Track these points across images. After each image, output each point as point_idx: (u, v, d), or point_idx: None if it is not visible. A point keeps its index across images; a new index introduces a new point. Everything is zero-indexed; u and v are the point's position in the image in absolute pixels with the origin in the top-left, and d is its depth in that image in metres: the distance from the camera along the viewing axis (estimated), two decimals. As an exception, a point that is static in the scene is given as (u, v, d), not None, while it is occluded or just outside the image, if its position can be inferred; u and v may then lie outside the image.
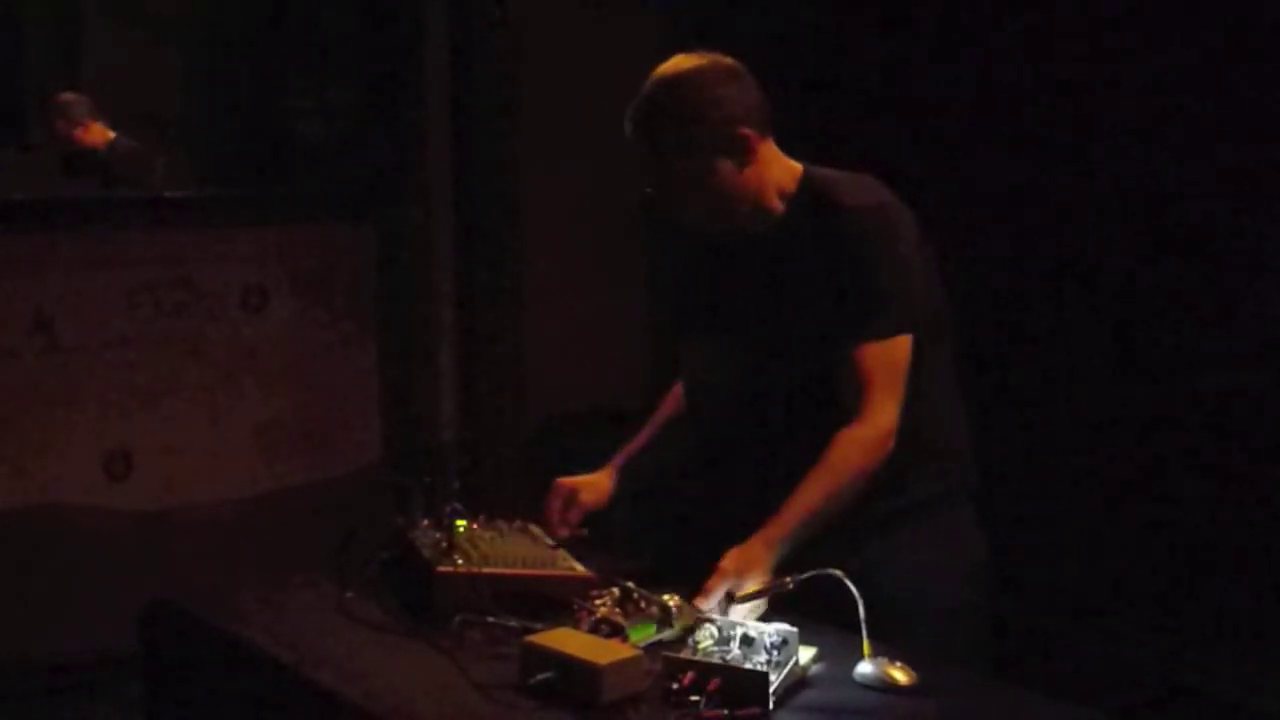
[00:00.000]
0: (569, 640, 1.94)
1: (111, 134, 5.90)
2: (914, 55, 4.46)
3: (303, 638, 2.15)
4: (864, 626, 1.96)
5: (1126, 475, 3.96)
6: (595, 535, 2.50)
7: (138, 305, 4.54)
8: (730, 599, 2.11)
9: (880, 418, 2.23)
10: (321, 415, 4.85)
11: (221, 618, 2.27)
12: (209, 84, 6.95)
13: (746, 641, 1.89)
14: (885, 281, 2.25)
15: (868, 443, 2.23)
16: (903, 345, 2.26)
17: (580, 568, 2.26)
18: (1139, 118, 3.93)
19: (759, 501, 2.23)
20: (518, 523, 2.48)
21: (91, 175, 5.84)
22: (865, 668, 1.95)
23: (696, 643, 1.92)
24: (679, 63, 2.32)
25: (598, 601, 2.08)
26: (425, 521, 2.42)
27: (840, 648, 2.00)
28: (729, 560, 2.14)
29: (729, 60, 2.34)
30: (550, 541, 2.41)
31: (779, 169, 2.36)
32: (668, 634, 2.05)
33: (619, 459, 2.57)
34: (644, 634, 2.03)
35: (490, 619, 2.14)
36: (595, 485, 2.53)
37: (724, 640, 1.91)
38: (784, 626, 1.91)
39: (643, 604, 2.07)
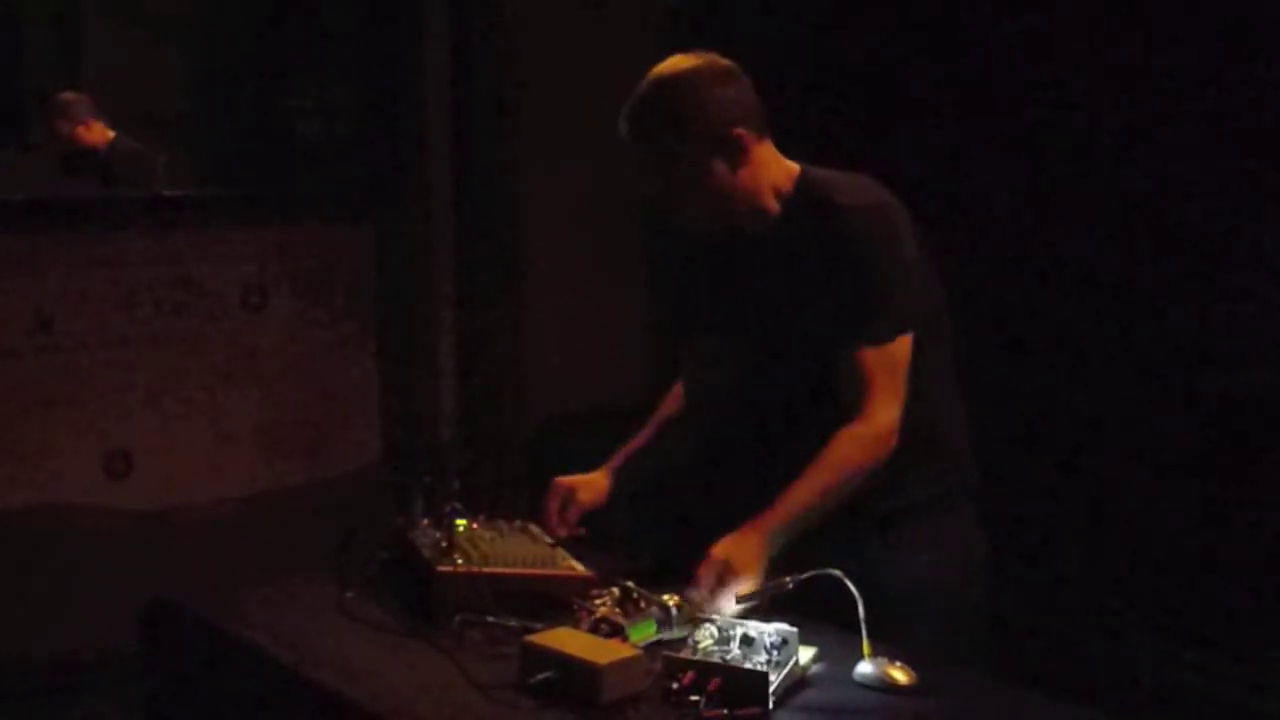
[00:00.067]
0: (569, 640, 1.94)
1: (111, 134, 5.90)
2: (913, 55, 4.46)
3: (303, 638, 2.16)
4: (864, 626, 1.96)
5: (1126, 475, 3.96)
6: (595, 535, 2.50)
7: (138, 305, 4.54)
8: (715, 590, 2.11)
9: (881, 417, 2.23)
10: (321, 415, 4.85)
11: (221, 618, 2.28)
12: (209, 84, 6.95)
13: (746, 641, 1.89)
14: (883, 282, 2.25)
15: (866, 440, 2.23)
16: (902, 345, 2.26)
17: (580, 568, 2.27)
18: (1139, 117, 3.93)
19: (759, 501, 2.23)
20: (518, 523, 2.49)
21: (91, 175, 5.84)
22: (865, 668, 1.95)
23: (696, 643, 1.92)
24: (674, 63, 2.33)
25: (598, 601, 2.08)
26: (425, 521, 2.43)
27: (840, 648, 2.00)
28: (720, 548, 2.15)
29: (724, 61, 2.34)
30: (549, 540, 2.41)
31: (775, 169, 2.36)
32: (668, 634, 2.05)
33: (617, 459, 2.58)
34: (644, 634, 2.03)
35: (490, 619, 2.14)
36: (593, 484, 2.53)
37: (724, 640, 1.91)
38: (784, 626, 1.91)
39: (643, 604, 2.07)
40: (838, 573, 1.99)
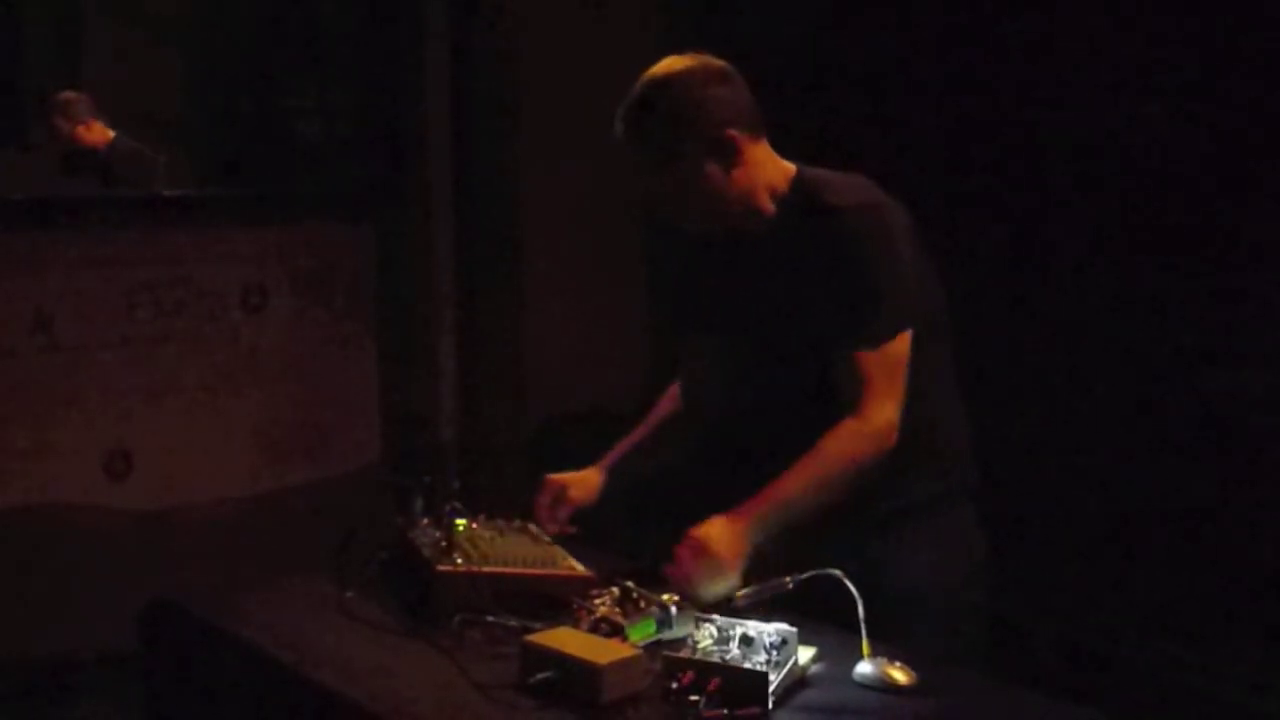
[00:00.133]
0: (569, 640, 1.94)
1: (111, 134, 5.90)
2: (914, 55, 4.46)
3: (303, 638, 2.15)
4: (863, 626, 1.96)
5: (1126, 475, 3.96)
6: (595, 535, 2.50)
7: (138, 305, 4.54)
8: (693, 572, 2.12)
9: (878, 415, 2.23)
10: (321, 415, 4.85)
11: (221, 618, 2.28)
12: (209, 84, 6.95)
13: (746, 641, 1.89)
14: (879, 282, 2.25)
15: (861, 436, 2.23)
16: (900, 344, 2.26)
17: (580, 567, 2.27)
18: (1139, 117, 3.93)
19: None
20: (517, 522, 2.49)
21: (91, 175, 5.84)
22: (865, 668, 1.95)
23: (696, 642, 1.92)
24: (668, 64, 2.33)
25: (598, 601, 2.08)
26: (425, 521, 2.43)
27: (840, 648, 2.00)
28: (701, 530, 2.16)
29: (718, 62, 2.34)
30: (549, 540, 2.41)
31: (771, 170, 2.36)
32: (668, 634, 2.05)
33: (611, 457, 2.58)
34: (644, 634, 2.03)
35: (490, 618, 2.14)
36: (585, 482, 2.53)
37: (724, 640, 1.91)
38: (784, 626, 1.91)
39: (643, 604, 2.07)
40: (838, 573, 1.99)
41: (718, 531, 2.17)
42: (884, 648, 1.97)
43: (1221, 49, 3.74)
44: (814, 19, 4.62)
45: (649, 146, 2.31)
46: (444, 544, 2.29)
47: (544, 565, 2.26)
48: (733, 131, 2.29)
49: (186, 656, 2.35)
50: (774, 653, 1.88)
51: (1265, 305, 3.70)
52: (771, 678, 1.84)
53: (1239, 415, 3.78)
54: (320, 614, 2.27)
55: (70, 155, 5.87)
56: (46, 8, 6.90)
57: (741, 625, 1.92)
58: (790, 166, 2.39)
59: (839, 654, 1.99)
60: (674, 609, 2.07)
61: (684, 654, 1.90)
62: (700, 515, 2.21)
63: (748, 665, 1.86)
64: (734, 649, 1.89)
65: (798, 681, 1.93)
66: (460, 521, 2.38)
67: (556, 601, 2.13)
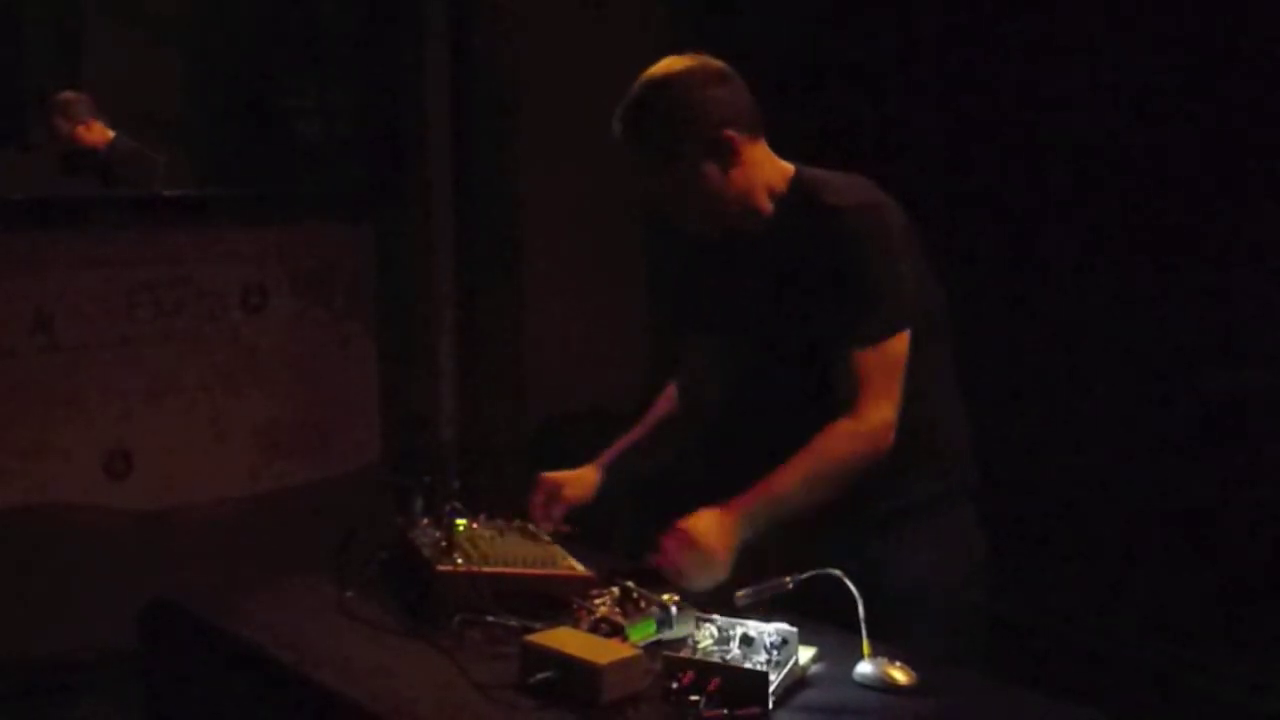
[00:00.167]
0: (569, 640, 1.94)
1: (111, 134, 5.90)
2: (914, 55, 4.46)
3: (303, 638, 2.16)
4: (864, 626, 1.96)
5: (1126, 475, 3.96)
6: (595, 534, 2.50)
7: (138, 305, 4.54)
8: (679, 562, 2.12)
9: (874, 414, 2.23)
10: (321, 415, 4.85)
11: (221, 618, 2.28)
12: (209, 84, 6.95)
13: (746, 641, 1.89)
14: (876, 281, 2.25)
15: (857, 435, 2.23)
16: (897, 345, 2.26)
17: (580, 568, 2.27)
18: (1139, 117, 3.93)
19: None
20: (517, 522, 2.49)
21: (91, 175, 5.84)
22: (865, 668, 1.95)
23: (696, 642, 1.92)
24: (666, 65, 2.33)
25: (598, 601, 2.08)
26: (425, 521, 2.43)
27: (840, 648, 2.00)
28: (690, 521, 2.16)
29: (716, 63, 2.34)
30: (549, 539, 2.41)
31: (769, 170, 2.36)
32: (668, 634, 2.05)
33: (607, 456, 2.58)
34: (644, 634, 2.03)
35: (490, 618, 2.14)
36: (580, 480, 2.53)
37: (724, 640, 1.91)
38: (784, 626, 1.91)
39: (643, 604, 2.07)
40: (838, 573, 1.99)
41: (705, 523, 2.17)
42: (884, 648, 1.98)
43: (1221, 49, 3.74)
44: (814, 19, 4.62)
45: (647, 147, 2.32)
46: (444, 544, 2.29)
47: (544, 565, 2.26)
48: (730, 132, 2.30)
49: (186, 656, 2.35)
50: (774, 653, 1.88)
51: (1265, 305, 3.70)
52: (771, 678, 1.84)
53: (1239, 415, 3.78)
54: (320, 614, 2.27)
55: (70, 155, 5.87)
56: (46, 8, 6.89)
57: (741, 625, 1.92)
58: (789, 166, 2.39)
59: (839, 654, 2.00)
60: (674, 609, 2.07)
61: (684, 654, 1.90)
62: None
63: (748, 665, 1.86)
64: (734, 649, 1.89)
65: (798, 681, 1.93)
66: (460, 521, 2.38)
67: (556, 601, 2.13)
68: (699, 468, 2.55)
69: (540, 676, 1.88)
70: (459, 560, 2.23)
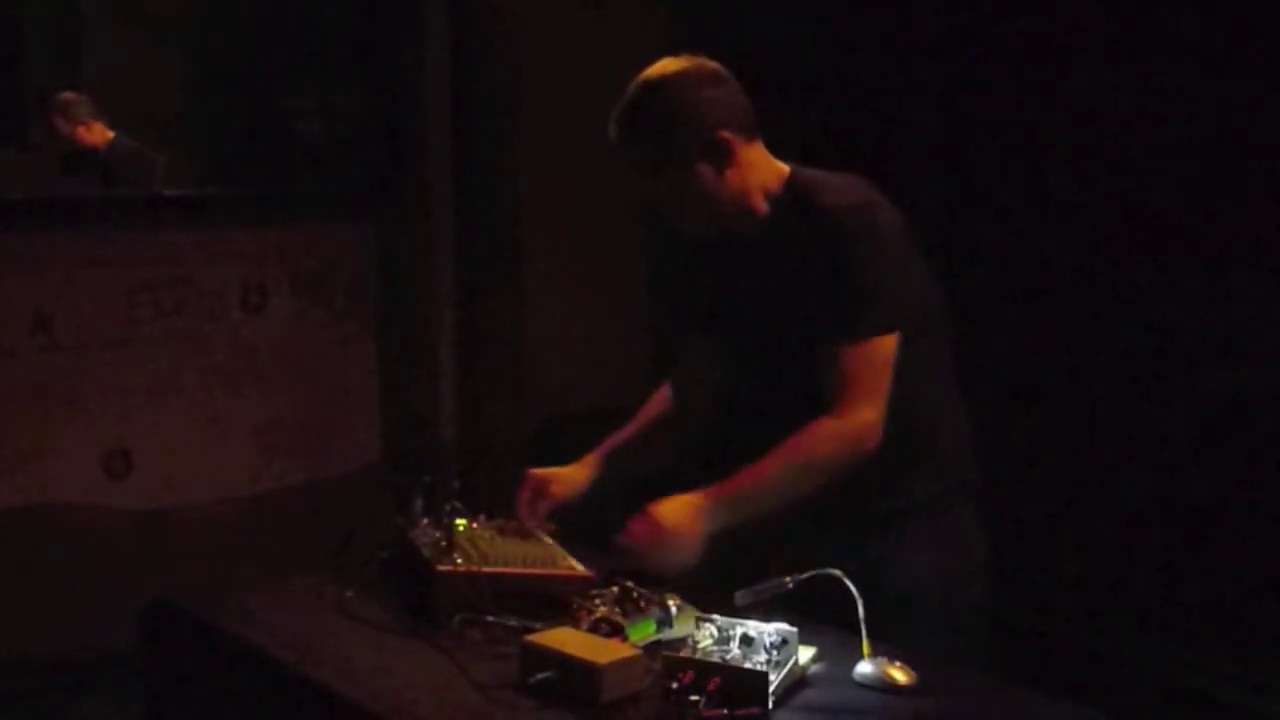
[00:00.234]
0: (569, 640, 1.94)
1: (111, 134, 5.90)
2: (914, 55, 4.46)
3: (303, 638, 2.15)
4: (864, 626, 1.96)
5: (1126, 475, 3.96)
6: (595, 534, 2.49)
7: (138, 305, 4.54)
8: (645, 547, 2.13)
9: (857, 415, 2.22)
10: (321, 415, 4.85)
11: (221, 618, 2.27)
12: (209, 84, 6.95)
13: (746, 641, 1.89)
14: (866, 282, 2.24)
15: (838, 434, 2.22)
16: (885, 345, 2.25)
17: (580, 567, 2.27)
18: (1139, 117, 3.93)
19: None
20: (517, 522, 2.48)
21: (91, 175, 5.84)
22: (865, 668, 1.95)
23: (696, 642, 1.92)
24: (662, 66, 2.34)
25: (598, 601, 2.08)
26: (425, 521, 2.43)
27: (840, 648, 2.00)
28: (660, 507, 2.18)
29: (712, 64, 2.35)
30: (548, 538, 2.41)
31: (765, 171, 2.36)
32: (667, 634, 2.05)
33: (597, 454, 2.57)
34: (644, 634, 2.03)
35: (490, 618, 2.14)
36: (567, 478, 2.53)
37: (724, 640, 1.91)
38: (784, 626, 1.91)
39: (642, 604, 2.07)
40: (838, 573, 1.99)
41: (672, 508, 2.18)
42: (884, 648, 1.97)
43: (1221, 49, 3.74)
44: (814, 19, 4.62)
45: (643, 148, 2.32)
46: (444, 544, 2.29)
47: (544, 565, 2.26)
48: (726, 133, 2.30)
49: (186, 656, 2.35)
50: (774, 653, 1.88)
51: (1265, 305, 3.70)
52: (771, 678, 1.84)
53: (1239, 415, 3.78)
54: (320, 614, 2.27)
55: (70, 155, 5.87)
56: (46, 8, 6.89)
57: (741, 625, 1.92)
58: (784, 167, 2.39)
59: (839, 654, 1.99)
60: (674, 609, 2.07)
61: (684, 654, 1.90)
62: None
63: (748, 665, 1.86)
64: (734, 649, 1.89)
65: (798, 681, 1.93)
66: (460, 521, 2.38)
67: (556, 601, 2.13)
68: (694, 468, 2.55)
69: (540, 676, 1.88)
70: (459, 560, 2.23)
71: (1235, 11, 3.70)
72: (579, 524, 2.50)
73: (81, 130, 5.83)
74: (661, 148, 2.30)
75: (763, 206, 2.35)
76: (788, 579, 2.06)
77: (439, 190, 4.95)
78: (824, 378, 2.25)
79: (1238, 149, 3.72)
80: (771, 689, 1.83)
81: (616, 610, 2.05)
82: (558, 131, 4.81)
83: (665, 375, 2.67)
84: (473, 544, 2.31)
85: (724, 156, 2.30)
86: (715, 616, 1.96)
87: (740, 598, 2.06)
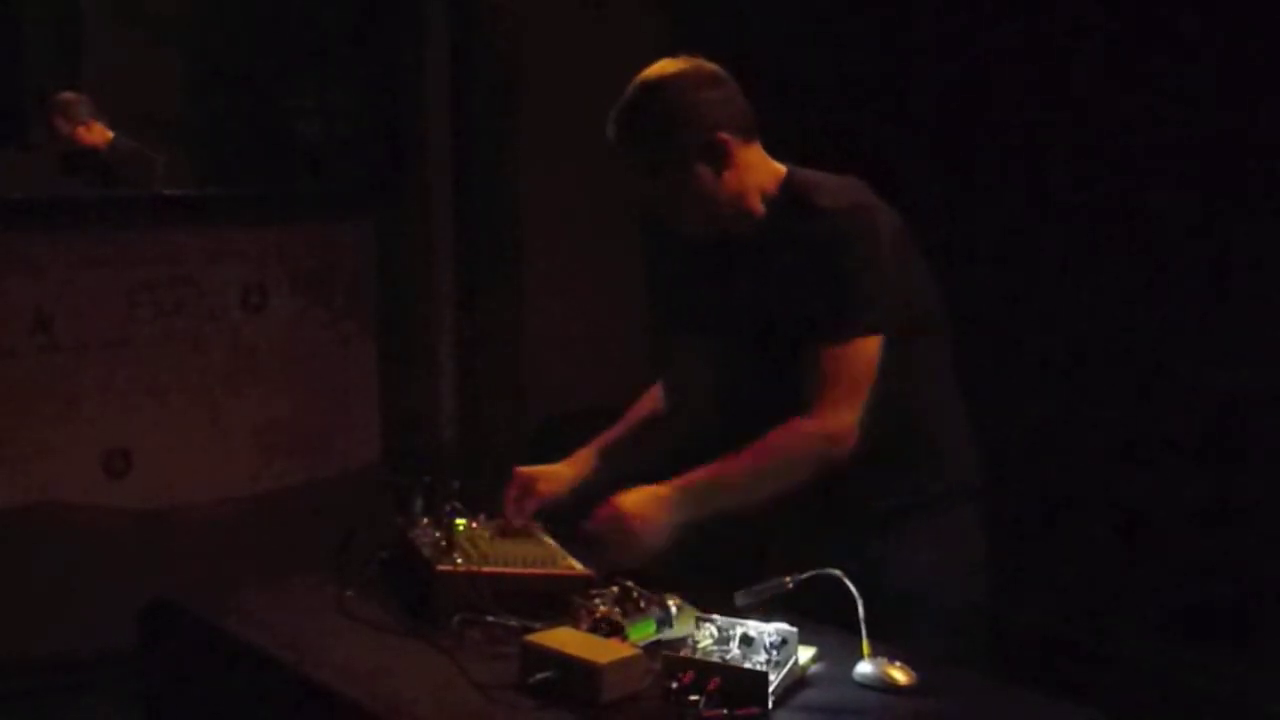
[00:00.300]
0: (569, 639, 1.94)
1: (111, 134, 5.90)
2: (915, 55, 4.46)
3: (303, 638, 2.15)
4: (863, 626, 1.96)
5: (1126, 475, 3.96)
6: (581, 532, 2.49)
7: (138, 305, 4.54)
8: (607, 536, 2.14)
9: (831, 417, 2.22)
10: (321, 415, 4.85)
11: (221, 618, 2.27)
12: (209, 84, 6.95)
13: (746, 641, 1.89)
14: (851, 284, 2.24)
15: (809, 435, 2.22)
16: (867, 347, 2.24)
17: (580, 567, 2.27)
18: (1138, 116, 3.93)
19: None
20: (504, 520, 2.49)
21: (91, 175, 5.84)
22: (865, 668, 1.95)
23: (696, 642, 1.92)
24: (660, 68, 2.34)
25: (597, 601, 2.08)
26: (425, 521, 2.43)
27: (840, 648, 2.00)
28: (624, 498, 2.18)
29: (710, 65, 2.35)
30: (548, 539, 2.42)
31: (762, 172, 2.36)
32: (667, 633, 2.05)
33: (585, 452, 2.56)
34: (644, 633, 2.03)
35: (490, 618, 2.14)
36: (555, 476, 2.52)
37: (723, 639, 1.91)
38: (784, 626, 1.91)
39: (642, 603, 2.07)
40: (838, 573, 1.99)
41: (636, 497, 2.19)
42: (884, 648, 1.97)
43: (1221, 49, 3.74)
44: (814, 19, 4.62)
45: (641, 149, 2.32)
46: (444, 544, 2.29)
47: (544, 565, 2.26)
48: (724, 134, 2.30)
49: (186, 656, 2.35)
50: (774, 652, 1.88)
51: (1265, 305, 3.70)
52: (771, 677, 1.84)
53: (1239, 415, 3.78)
54: (320, 614, 2.27)
55: (70, 155, 5.87)
56: (46, 8, 6.90)
57: (741, 625, 1.92)
58: (781, 168, 2.39)
59: (839, 654, 1.99)
60: (674, 609, 2.07)
61: (684, 654, 1.90)
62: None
63: (748, 665, 1.86)
64: (734, 649, 1.89)
65: (798, 681, 1.93)
66: (460, 521, 2.38)
67: (556, 601, 2.13)
68: (685, 467, 2.55)
69: (540, 676, 1.88)
70: (459, 560, 2.23)
71: (1236, 11, 3.70)
72: (567, 521, 2.49)
73: (81, 130, 5.84)
74: (660, 149, 2.30)
75: (760, 208, 2.35)
76: (788, 579, 2.06)
77: (439, 190, 4.95)
78: (804, 378, 2.24)
79: (1238, 149, 3.72)
80: (771, 689, 1.83)
81: (616, 610, 2.05)
82: (558, 131, 4.81)
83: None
84: (473, 544, 2.31)
85: (722, 158, 2.30)
86: (715, 616, 1.96)
87: (740, 598, 2.06)
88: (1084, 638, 3.91)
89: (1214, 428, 3.82)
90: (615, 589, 2.10)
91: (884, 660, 1.95)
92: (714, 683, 1.83)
